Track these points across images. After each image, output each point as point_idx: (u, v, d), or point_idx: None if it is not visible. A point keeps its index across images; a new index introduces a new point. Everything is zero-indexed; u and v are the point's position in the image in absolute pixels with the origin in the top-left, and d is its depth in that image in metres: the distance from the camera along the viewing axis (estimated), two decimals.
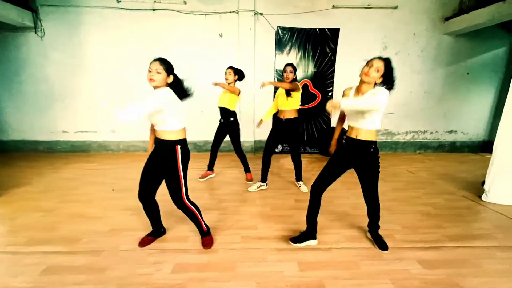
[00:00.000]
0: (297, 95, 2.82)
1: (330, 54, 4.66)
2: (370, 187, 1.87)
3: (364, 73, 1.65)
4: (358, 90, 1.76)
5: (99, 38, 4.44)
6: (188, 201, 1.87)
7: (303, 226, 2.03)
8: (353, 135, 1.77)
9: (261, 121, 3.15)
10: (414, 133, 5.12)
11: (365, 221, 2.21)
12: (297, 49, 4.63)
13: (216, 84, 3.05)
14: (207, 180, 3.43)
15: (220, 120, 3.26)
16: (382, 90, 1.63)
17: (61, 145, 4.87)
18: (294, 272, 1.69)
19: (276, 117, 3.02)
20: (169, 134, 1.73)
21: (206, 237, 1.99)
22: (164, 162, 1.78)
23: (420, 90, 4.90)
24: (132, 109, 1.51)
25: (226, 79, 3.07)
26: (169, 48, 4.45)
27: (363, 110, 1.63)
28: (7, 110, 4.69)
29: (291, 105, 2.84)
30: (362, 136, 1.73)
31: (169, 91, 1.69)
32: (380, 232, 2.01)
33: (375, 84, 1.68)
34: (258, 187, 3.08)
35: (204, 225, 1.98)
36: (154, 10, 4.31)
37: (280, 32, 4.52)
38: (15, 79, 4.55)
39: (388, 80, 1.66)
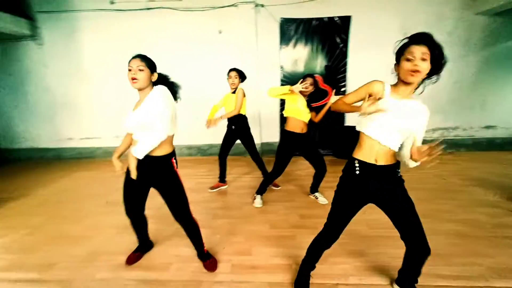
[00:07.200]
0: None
1: (341, 46, 4.18)
2: (415, 217, 1.32)
3: (410, 71, 1.07)
4: (395, 91, 1.21)
5: (95, 43, 4.31)
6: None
7: (304, 250, 1.67)
8: (371, 160, 1.24)
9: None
10: (443, 130, 4.47)
11: (384, 245, 1.82)
12: (304, 41, 4.21)
13: (213, 123, 2.72)
14: (204, 191, 3.13)
15: (231, 127, 2.92)
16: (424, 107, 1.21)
17: (68, 152, 4.86)
18: None
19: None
20: (161, 145, 1.46)
21: (210, 259, 1.80)
22: (161, 180, 1.55)
23: (448, 80, 4.25)
24: (149, 138, 1.39)
25: (232, 83, 2.75)
26: (166, 48, 4.22)
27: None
28: (15, 119, 4.75)
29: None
30: (387, 160, 1.23)
31: (166, 88, 1.46)
32: (397, 262, 1.60)
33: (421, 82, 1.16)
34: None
35: (204, 244, 1.78)
36: (148, 9, 4.09)
37: (284, 24, 4.12)
38: (21, 89, 4.59)
39: (437, 69, 1.10)
